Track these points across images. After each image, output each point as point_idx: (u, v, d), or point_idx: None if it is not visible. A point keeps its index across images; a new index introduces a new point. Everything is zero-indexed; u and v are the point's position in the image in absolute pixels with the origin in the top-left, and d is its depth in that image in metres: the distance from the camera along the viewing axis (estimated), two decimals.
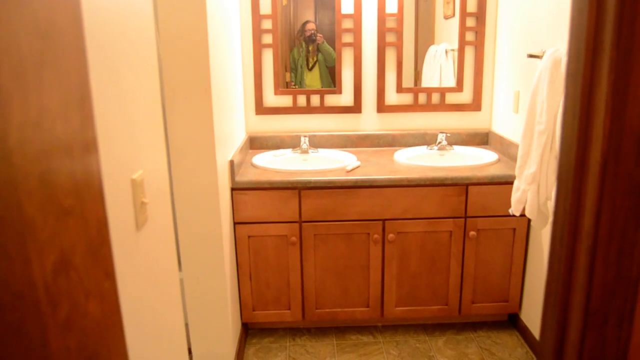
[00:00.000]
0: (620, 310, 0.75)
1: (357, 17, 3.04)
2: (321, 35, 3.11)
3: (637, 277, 0.72)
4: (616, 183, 0.68)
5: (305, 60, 3.17)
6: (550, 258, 0.79)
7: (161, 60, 2.18)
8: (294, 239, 2.68)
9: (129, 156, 1.21)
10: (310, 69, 3.19)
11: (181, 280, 2.52)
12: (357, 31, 3.06)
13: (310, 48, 3.15)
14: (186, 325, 2.65)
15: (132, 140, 1.23)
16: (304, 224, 2.68)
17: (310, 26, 3.11)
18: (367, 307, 2.84)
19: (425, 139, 3.22)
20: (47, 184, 0.57)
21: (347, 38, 3.10)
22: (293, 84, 3.20)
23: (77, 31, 0.65)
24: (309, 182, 2.60)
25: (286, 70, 3.18)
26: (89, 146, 0.69)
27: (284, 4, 3.07)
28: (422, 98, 3.22)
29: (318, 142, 3.20)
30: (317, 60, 3.17)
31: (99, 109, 1.02)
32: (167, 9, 2.11)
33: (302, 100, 3.18)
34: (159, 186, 1.42)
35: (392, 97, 3.21)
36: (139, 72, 1.28)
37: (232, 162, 2.56)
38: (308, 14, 3.13)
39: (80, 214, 0.64)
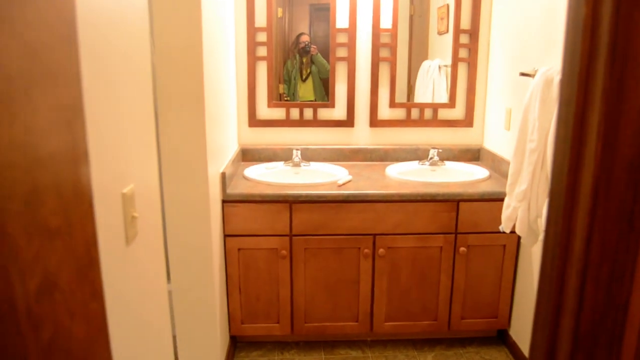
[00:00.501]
0: (610, 334, 0.75)
1: (351, 31, 3.06)
2: (315, 46, 3.12)
3: (627, 302, 0.72)
4: (607, 208, 0.69)
5: (299, 71, 3.18)
6: (540, 280, 0.79)
7: (155, 72, 2.18)
8: (284, 252, 2.67)
9: (121, 170, 1.20)
10: (304, 81, 3.20)
11: (170, 292, 2.50)
12: (351, 46, 3.08)
13: (304, 60, 3.16)
14: (174, 337, 2.63)
15: (123, 154, 1.22)
16: (294, 238, 2.67)
17: (304, 38, 3.13)
18: (357, 321, 2.83)
19: (417, 154, 3.23)
20: (33, 205, 0.56)
21: (341, 52, 3.12)
22: (286, 96, 3.21)
23: (70, 49, 0.65)
24: (300, 195, 2.60)
25: (280, 82, 3.19)
26: (79, 163, 0.68)
27: (279, 17, 3.08)
28: (414, 113, 3.23)
29: (310, 156, 3.20)
30: (310, 72, 3.18)
31: (92, 123, 1.01)
32: (163, 22, 2.12)
33: (295, 113, 3.19)
34: (149, 199, 1.41)
35: (384, 111, 3.22)
36: (132, 86, 1.28)
37: (223, 175, 2.56)
38: (303, 27, 3.15)
39: (68, 233, 0.63)
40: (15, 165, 0.54)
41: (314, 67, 3.17)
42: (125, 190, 1.21)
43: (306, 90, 3.22)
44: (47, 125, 0.60)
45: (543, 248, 0.78)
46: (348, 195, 2.60)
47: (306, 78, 3.20)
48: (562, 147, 0.72)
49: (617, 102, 0.65)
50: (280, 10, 3.07)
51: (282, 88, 3.20)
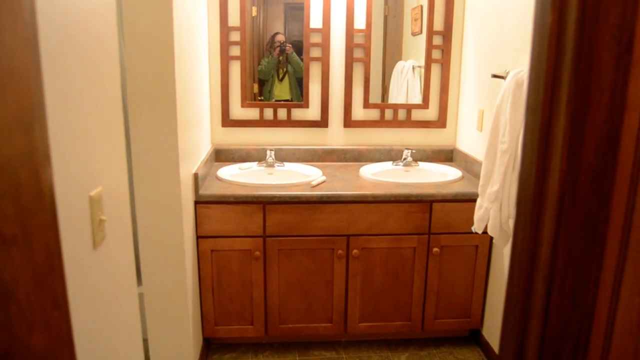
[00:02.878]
0: (576, 338, 0.76)
1: (325, 31, 3.05)
2: (290, 45, 3.11)
3: (593, 306, 0.73)
4: (572, 215, 0.69)
5: (276, 71, 3.16)
6: (508, 285, 0.80)
7: (126, 72, 2.14)
8: (257, 253, 2.65)
9: (87, 173, 1.18)
10: (280, 80, 3.19)
11: (141, 295, 2.46)
12: (325, 46, 3.07)
13: (280, 59, 3.14)
14: (145, 340, 2.59)
15: (90, 156, 1.19)
16: (268, 239, 2.65)
17: (280, 37, 3.11)
18: (331, 322, 2.83)
19: (391, 155, 3.24)
20: None
21: (315, 52, 3.11)
22: (260, 95, 3.19)
23: (30, 51, 0.63)
24: (274, 196, 2.58)
25: (254, 82, 3.17)
26: (40, 168, 0.66)
27: (253, 15, 3.06)
28: (388, 114, 3.24)
29: (284, 156, 3.19)
30: (286, 71, 3.17)
31: (56, 126, 0.99)
32: (133, 21, 2.08)
33: (269, 113, 3.17)
34: (118, 202, 1.39)
35: (359, 112, 3.23)
36: (99, 88, 1.25)
37: (196, 175, 2.53)
38: (278, 26, 3.13)
39: (26, 242, 0.61)
40: None
41: (289, 67, 3.15)
42: (92, 193, 1.19)
43: (282, 90, 3.20)
44: (1, 128, 0.57)
45: (511, 254, 0.78)
46: (322, 196, 2.60)
47: (282, 78, 3.18)
48: (529, 153, 0.72)
49: (582, 110, 0.66)
50: (254, 9, 3.05)
51: (256, 88, 3.18)
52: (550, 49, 0.67)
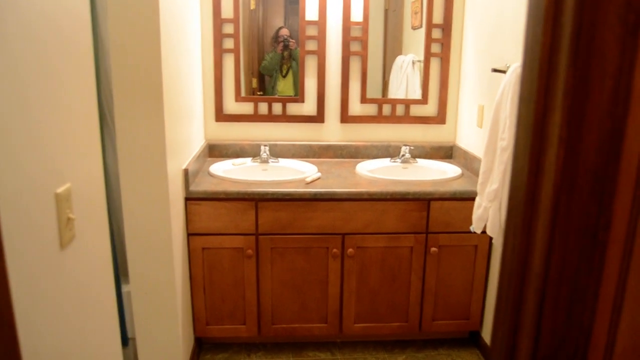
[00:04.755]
0: (571, 359, 0.68)
1: (321, 24, 2.97)
2: (293, 41, 3.03)
3: (590, 324, 0.65)
4: (569, 221, 0.61)
5: (279, 66, 3.08)
6: (497, 299, 0.72)
7: (111, 64, 2.07)
8: (250, 251, 2.58)
9: (53, 169, 1.10)
10: (284, 76, 3.11)
11: (128, 293, 2.40)
12: (321, 39, 2.99)
13: (284, 54, 3.06)
14: (133, 339, 2.53)
15: (58, 152, 1.12)
16: (260, 237, 2.58)
17: (284, 32, 3.03)
18: (326, 323, 2.75)
19: (389, 151, 3.16)
20: None
21: (311, 45, 3.03)
22: (259, 90, 3.11)
23: None
24: (267, 193, 2.51)
25: (253, 76, 3.09)
26: None
27: (251, 8, 2.98)
28: (386, 109, 3.16)
29: (279, 152, 3.11)
30: (290, 67, 3.09)
31: (19, 123, 0.91)
32: (118, 13, 2.00)
33: (263, 108, 3.09)
34: (91, 199, 1.31)
35: (356, 107, 3.14)
36: (70, 79, 1.17)
37: (186, 171, 2.45)
38: (278, 20, 3.05)
39: None
40: None
41: (293, 63, 3.07)
42: (59, 191, 1.11)
43: (286, 85, 3.13)
44: None
45: (500, 264, 0.71)
46: (316, 194, 2.52)
47: (286, 73, 3.11)
48: (521, 151, 0.64)
49: (581, 102, 0.57)
50: (252, 1, 2.97)
51: (255, 82, 3.10)
52: (546, 31, 0.59)
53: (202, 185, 2.55)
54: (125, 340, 2.52)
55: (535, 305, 0.65)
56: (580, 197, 0.59)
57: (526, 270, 0.65)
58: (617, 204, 0.59)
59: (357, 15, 2.99)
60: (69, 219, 1.16)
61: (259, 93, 3.11)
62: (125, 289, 2.49)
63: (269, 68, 3.08)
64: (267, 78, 3.13)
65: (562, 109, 0.59)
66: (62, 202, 1.13)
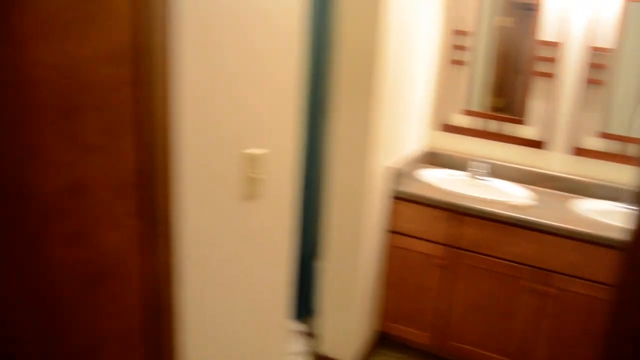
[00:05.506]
0: None
1: (560, 46, 2.76)
2: None
3: None
4: None
5: None
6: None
7: (336, 64, 2.31)
8: (442, 261, 2.59)
9: (247, 133, 1.31)
10: None
11: (322, 269, 2.62)
12: (558, 61, 2.77)
13: None
14: (314, 310, 2.75)
15: (257, 119, 1.34)
16: (454, 250, 2.58)
17: None
18: (506, 356, 2.62)
19: (618, 194, 2.80)
20: (73, 120, 0.65)
21: (543, 67, 2.83)
22: (498, 109, 3.03)
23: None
24: (470, 209, 2.49)
25: (495, 95, 3.02)
26: (141, 99, 0.75)
27: (503, 25, 2.92)
28: (631, 148, 2.80)
29: (496, 171, 3.00)
30: None
31: (210, 90, 1.14)
32: (347, 21, 2.26)
33: (486, 124, 3.01)
34: (280, 165, 1.50)
35: (589, 140, 2.86)
36: (278, 64, 1.38)
37: (395, 170, 2.57)
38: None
39: (106, 152, 0.70)
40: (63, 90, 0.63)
41: None
42: (248, 151, 1.31)
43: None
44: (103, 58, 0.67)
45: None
46: (519, 219, 2.41)
47: None
48: None
49: None
50: (500, 19, 2.91)
51: (498, 102, 3.02)
52: None
53: (409, 187, 2.63)
54: (308, 310, 2.76)
55: None
56: None
57: None
58: None
59: (603, 40, 2.70)
60: (254, 178, 1.35)
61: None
62: (317, 264, 2.73)
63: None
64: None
65: None
66: (249, 162, 1.32)
